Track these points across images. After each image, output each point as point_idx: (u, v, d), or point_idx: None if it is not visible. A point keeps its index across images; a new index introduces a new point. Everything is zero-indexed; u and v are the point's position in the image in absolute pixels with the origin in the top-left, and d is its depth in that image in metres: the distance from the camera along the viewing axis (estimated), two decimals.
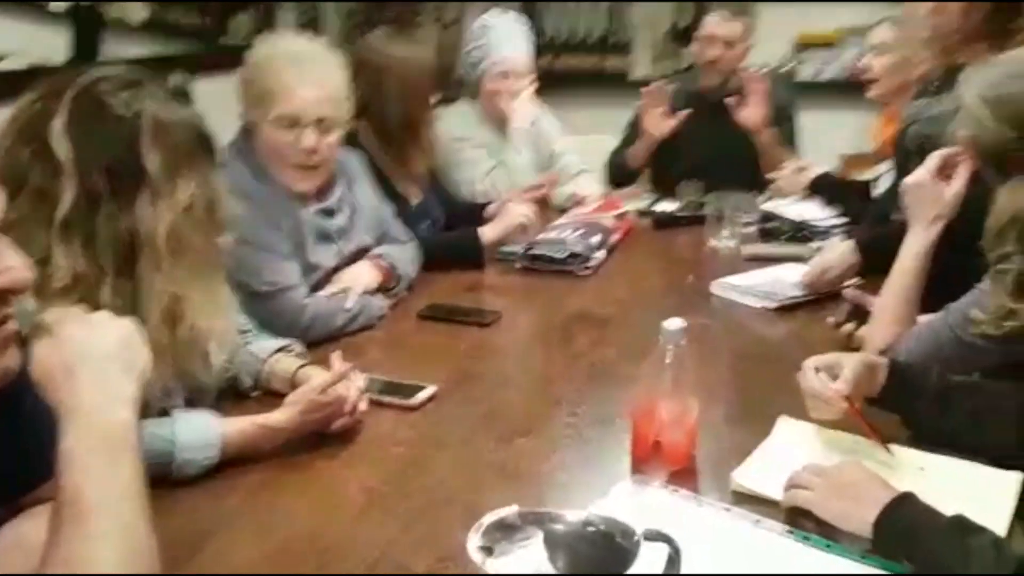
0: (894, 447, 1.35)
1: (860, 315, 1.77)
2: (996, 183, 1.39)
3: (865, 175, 2.77)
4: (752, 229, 2.60)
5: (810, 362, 1.41)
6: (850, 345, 1.72)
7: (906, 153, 2.10)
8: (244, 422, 1.38)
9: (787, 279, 2.17)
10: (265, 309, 1.77)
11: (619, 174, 3.21)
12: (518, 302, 2.25)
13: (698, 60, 3.16)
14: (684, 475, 1.33)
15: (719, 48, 3.03)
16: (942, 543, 1.05)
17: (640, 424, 1.38)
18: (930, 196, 1.60)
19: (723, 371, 1.73)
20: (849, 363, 1.37)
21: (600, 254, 2.42)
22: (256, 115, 1.88)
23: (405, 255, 2.19)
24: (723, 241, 2.56)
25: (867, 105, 2.89)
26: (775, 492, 1.25)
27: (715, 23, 3.03)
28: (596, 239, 2.44)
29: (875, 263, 1.89)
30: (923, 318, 1.64)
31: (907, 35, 2.48)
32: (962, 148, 1.53)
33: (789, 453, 1.36)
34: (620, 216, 2.73)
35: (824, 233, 2.54)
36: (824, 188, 2.75)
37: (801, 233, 2.57)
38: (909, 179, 1.65)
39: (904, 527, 1.10)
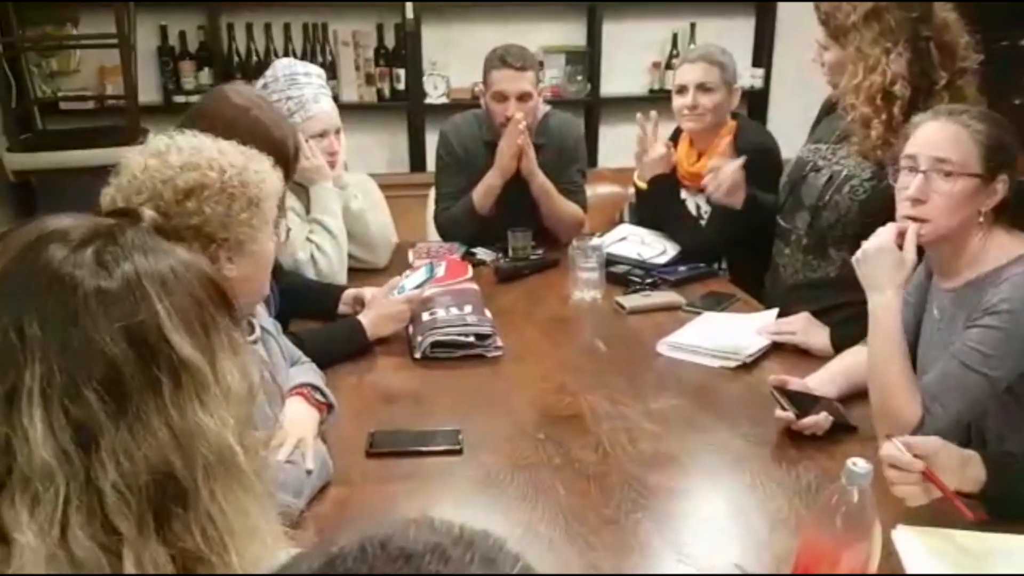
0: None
1: (798, 402, 1.73)
2: None
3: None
4: (596, 275, 2.55)
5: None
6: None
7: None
8: None
9: (737, 334, 2.14)
10: None
11: (460, 227, 2.95)
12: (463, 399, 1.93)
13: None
14: None
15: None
16: None
17: None
18: (893, 262, 1.68)
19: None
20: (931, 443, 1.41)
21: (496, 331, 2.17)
22: None
23: (317, 375, 1.78)
24: (587, 293, 2.51)
25: None
26: None
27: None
28: (487, 312, 2.24)
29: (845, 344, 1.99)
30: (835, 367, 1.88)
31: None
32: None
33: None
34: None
35: (677, 282, 2.60)
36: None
37: (650, 280, 2.60)
38: (870, 246, 1.71)
39: None
